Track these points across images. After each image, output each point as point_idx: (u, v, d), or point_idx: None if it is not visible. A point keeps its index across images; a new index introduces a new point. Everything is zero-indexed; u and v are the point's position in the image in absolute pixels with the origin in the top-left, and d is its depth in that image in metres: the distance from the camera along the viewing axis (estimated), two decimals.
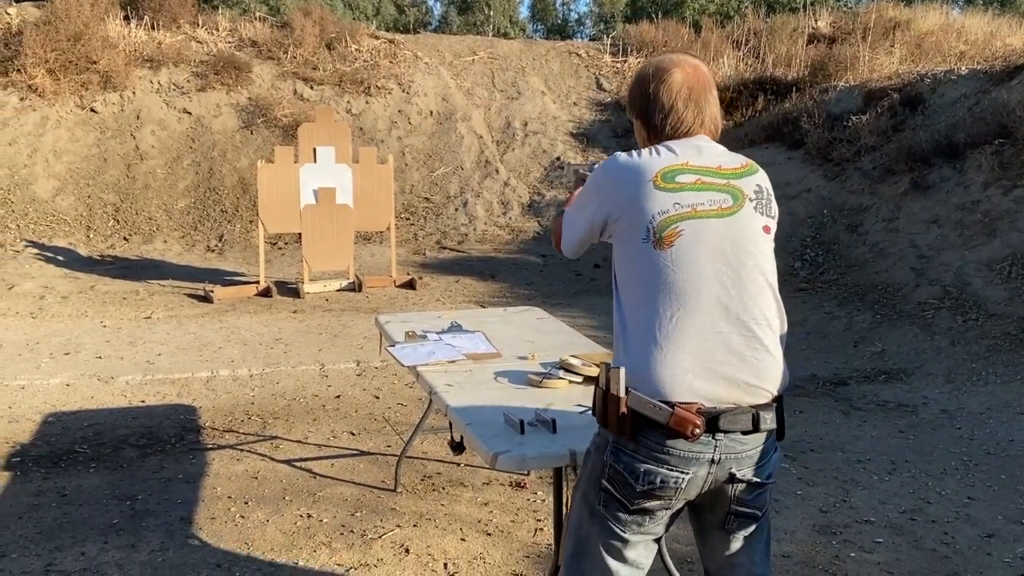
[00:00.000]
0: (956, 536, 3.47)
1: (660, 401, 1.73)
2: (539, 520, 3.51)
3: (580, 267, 9.18)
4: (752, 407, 1.77)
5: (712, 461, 1.76)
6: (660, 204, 1.79)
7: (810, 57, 11.74)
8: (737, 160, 1.89)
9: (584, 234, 1.98)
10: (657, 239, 1.78)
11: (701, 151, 1.87)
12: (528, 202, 10.73)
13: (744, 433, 1.77)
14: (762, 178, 1.90)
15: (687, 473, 1.76)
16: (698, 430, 1.71)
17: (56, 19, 10.50)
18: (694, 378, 1.74)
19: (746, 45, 13.15)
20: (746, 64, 12.62)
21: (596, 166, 2.40)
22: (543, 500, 3.69)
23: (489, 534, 3.38)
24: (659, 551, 2.68)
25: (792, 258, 8.02)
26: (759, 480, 1.83)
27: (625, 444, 1.79)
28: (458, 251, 9.74)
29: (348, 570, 3.09)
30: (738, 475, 1.79)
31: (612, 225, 1.87)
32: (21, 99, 10.17)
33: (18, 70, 10.22)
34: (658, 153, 1.85)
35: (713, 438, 1.75)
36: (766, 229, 1.86)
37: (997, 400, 5.11)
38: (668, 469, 1.76)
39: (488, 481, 3.88)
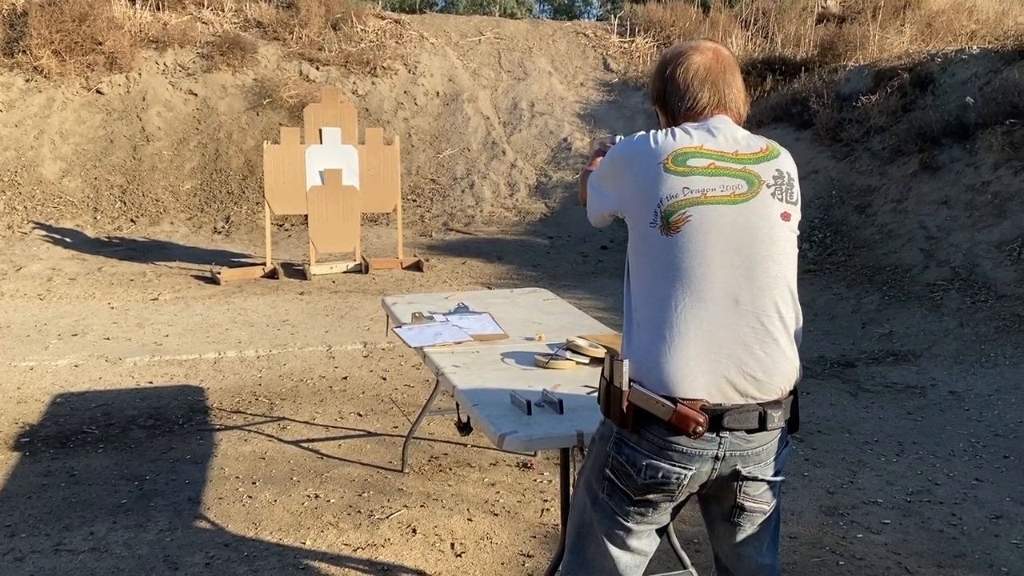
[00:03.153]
0: (964, 517, 3.46)
1: (663, 396, 1.70)
2: (546, 501, 3.51)
3: (587, 249, 9.15)
4: (760, 404, 1.73)
5: (716, 458, 1.74)
6: (669, 188, 1.74)
7: (819, 37, 11.61)
8: (757, 144, 1.83)
9: (601, 211, 1.98)
10: (664, 224, 1.73)
11: (718, 133, 1.80)
12: (535, 184, 10.69)
13: (749, 432, 1.73)
14: (784, 162, 1.83)
15: (690, 469, 1.73)
16: (700, 428, 1.68)
17: (61, 0, 10.45)
18: (699, 373, 1.70)
19: (755, 25, 13.02)
20: (755, 44, 12.51)
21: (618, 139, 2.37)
22: (550, 481, 3.69)
23: (496, 514, 3.39)
24: (667, 534, 2.69)
25: (800, 240, 7.94)
26: (766, 478, 1.81)
27: (628, 436, 1.77)
28: (465, 233, 9.72)
29: (355, 550, 3.10)
30: (743, 472, 1.77)
31: (624, 208, 1.84)
32: (27, 80, 10.15)
33: (23, 51, 10.19)
34: (672, 135, 1.79)
35: (718, 435, 1.71)
36: (785, 216, 1.80)
37: (1006, 382, 5.09)
38: (670, 464, 1.73)
39: (495, 462, 3.89)
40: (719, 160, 1.77)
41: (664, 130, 1.82)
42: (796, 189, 1.84)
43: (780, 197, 1.80)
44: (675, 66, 1.86)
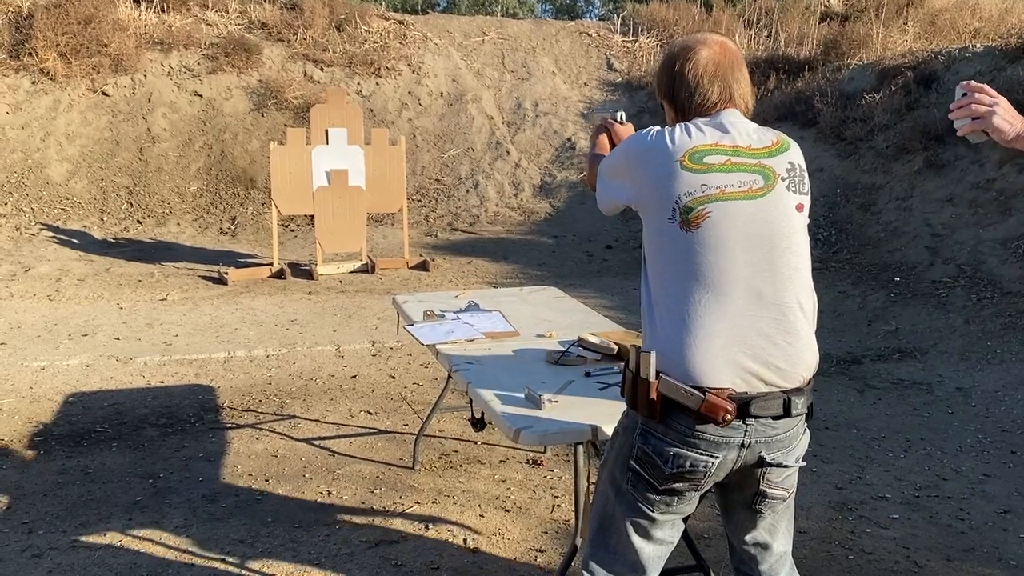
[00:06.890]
0: (971, 512, 3.49)
1: (691, 386, 1.72)
2: (556, 497, 3.54)
3: (592, 248, 9.17)
4: (784, 392, 1.76)
5: (742, 445, 1.76)
6: (687, 185, 1.76)
7: (823, 35, 11.64)
8: (768, 137, 1.86)
9: (613, 202, 1.98)
10: (683, 220, 1.75)
11: (731, 128, 1.83)
12: (539, 183, 10.71)
13: (775, 418, 1.76)
14: (795, 154, 1.87)
15: (716, 457, 1.76)
16: (729, 416, 1.70)
17: (67, 2, 10.49)
18: (725, 363, 1.73)
19: (758, 24, 13.05)
20: (758, 43, 12.53)
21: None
22: (560, 477, 3.72)
23: (507, 510, 3.42)
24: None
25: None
26: (788, 464, 1.83)
27: (654, 427, 1.79)
28: (470, 232, 9.75)
29: (369, 546, 3.13)
30: (768, 459, 1.79)
31: (639, 203, 1.86)
32: (33, 83, 10.19)
33: (29, 53, 10.23)
34: (688, 133, 1.81)
35: (744, 423, 1.74)
36: (799, 207, 1.83)
37: (1012, 377, 5.11)
38: (698, 453, 1.75)
39: (505, 459, 3.91)
40: (734, 156, 1.80)
41: (678, 126, 1.84)
42: (807, 180, 1.88)
43: (794, 189, 1.83)
44: (683, 61, 1.88)
